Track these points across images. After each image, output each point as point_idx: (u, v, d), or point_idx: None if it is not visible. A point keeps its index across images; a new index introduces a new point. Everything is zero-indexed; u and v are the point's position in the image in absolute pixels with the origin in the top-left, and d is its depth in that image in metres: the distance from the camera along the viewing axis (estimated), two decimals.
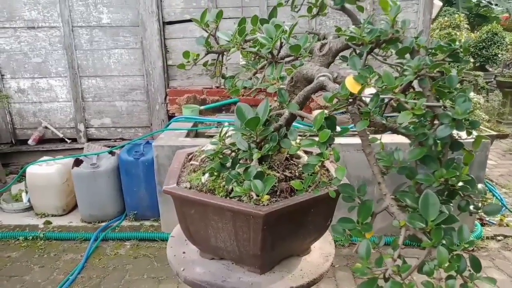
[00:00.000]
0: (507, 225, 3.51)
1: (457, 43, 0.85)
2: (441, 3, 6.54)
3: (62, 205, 3.46)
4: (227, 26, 3.85)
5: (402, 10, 4.27)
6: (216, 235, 1.11)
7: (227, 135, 0.97)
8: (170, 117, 4.11)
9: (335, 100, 0.89)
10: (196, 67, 1.18)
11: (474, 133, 0.97)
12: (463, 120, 0.86)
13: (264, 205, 1.01)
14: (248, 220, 1.03)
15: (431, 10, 4.09)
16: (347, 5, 1.11)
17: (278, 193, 1.11)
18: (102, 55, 4.06)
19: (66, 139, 4.24)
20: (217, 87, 4.12)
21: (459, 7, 9.85)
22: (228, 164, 0.93)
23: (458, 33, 7.40)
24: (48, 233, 3.20)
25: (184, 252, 1.29)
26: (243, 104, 0.90)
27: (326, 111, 0.83)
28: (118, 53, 4.06)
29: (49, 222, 3.34)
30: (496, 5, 10.47)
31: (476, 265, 0.77)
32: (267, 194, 0.93)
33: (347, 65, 0.97)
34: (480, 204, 0.99)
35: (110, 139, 4.27)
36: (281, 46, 0.98)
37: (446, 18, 7.76)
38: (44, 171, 3.36)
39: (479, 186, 0.99)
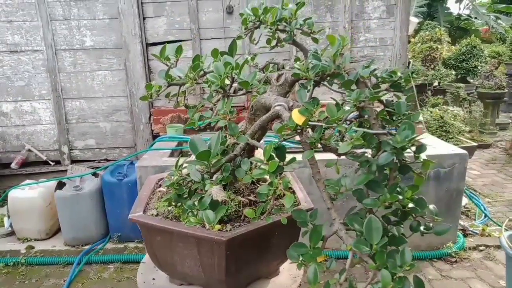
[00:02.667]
0: (489, 235, 3.54)
1: (398, 74, 0.90)
2: (417, 20, 6.73)
3: (45, 229, 3.42)
4: (210, 46, 3.92)
5: (380, 28, 4.37)
6: (182, 261, 1.13)
7: (183, 166, 1.01)
8: (155, 136, 4.13)
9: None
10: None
11: (423, 156, 1.02)
12: (408, 145, 0.92)
13: (226, 231, 1.04)
14: (211, 246, 1.06)
15: (407, 27, 4.23)
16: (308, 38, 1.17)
17: (242, 217, 1.14)
18: (85, 77, 4.10)
19: (50, 162, 4.23)
20: (202, 106, 4.16)
21: (440, 21, 10.13)
22: (186, 195, 0.97)
23: (439, 46, 7.61)
24: (30, 258, 3.16)
25: (154, 279, 1.30)
26: (196, 136, 0.94)
27: (275, 141, 0.87)
28: (102, 75, 4.10)
29: (31, 247, 3.30)
30: (475, 18, 10.80)
31: (420, 286, 0.80)
32: (224, 220, 0.95)
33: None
34: (431, 224, 1.04)
35: (94, 160, 4.26)
36: (233, 81, 1.03)
37: (427, 32, 7.98)
38: (27, 195, 3.33)
39: (431, 206, 1.03)
